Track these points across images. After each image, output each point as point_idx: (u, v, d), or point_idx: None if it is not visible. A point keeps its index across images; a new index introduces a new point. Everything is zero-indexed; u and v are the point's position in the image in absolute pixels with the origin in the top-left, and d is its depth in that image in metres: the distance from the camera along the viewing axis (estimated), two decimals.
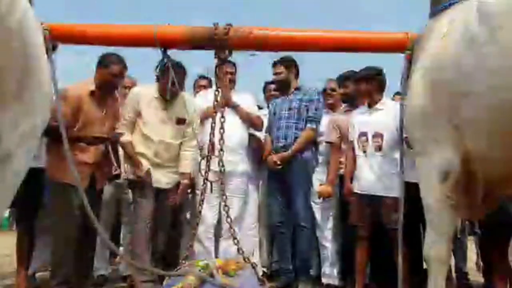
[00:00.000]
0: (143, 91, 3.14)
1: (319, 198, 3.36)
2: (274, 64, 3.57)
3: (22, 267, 3.10)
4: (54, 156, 2.78)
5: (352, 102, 3.40)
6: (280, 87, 3.60)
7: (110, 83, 2.93)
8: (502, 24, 1.31)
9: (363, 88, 3.14)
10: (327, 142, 3.48)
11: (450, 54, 1.61)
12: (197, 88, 4.04)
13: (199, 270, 2.02)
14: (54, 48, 2.36)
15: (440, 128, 1.77)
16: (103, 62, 2.91)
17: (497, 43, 1.34)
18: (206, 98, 3.49)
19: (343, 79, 3.50)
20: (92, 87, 2.89)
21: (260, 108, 4.18)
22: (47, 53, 2.20)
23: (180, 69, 3.02)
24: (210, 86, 3.94)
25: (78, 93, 2.85)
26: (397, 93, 3.64)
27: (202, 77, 4.14)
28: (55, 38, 2.29)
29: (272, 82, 3.99)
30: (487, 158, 1.66)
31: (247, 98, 3.65)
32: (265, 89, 4.15)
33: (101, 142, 2.91)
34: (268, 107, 3.94)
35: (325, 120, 3.52)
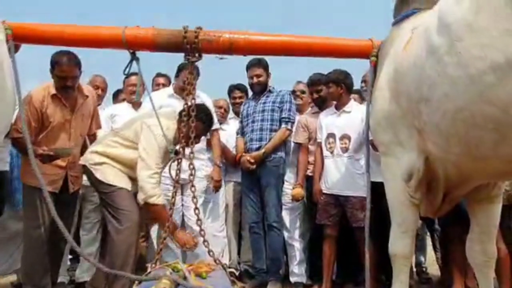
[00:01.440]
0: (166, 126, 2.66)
1: (292, 201, 3.42)
2: (251, 66, 3.55)
3: None
4: (25, 159, 2.59)
5: (323, 104, 3.47)
6: (259, 90, 3.59)
7: (63, 84, 2.67)
8: (461, 36, 1.40)
9: (333, 91, 3.22)
10: (295, 143, 3.54)
11: (412, 61, 1.69)
12: (155, 86, 3.94)
13: (171, 273, 2.02)
14: (16, 49, 2.29)
15: (404, 131, 1.87)
16: (52, 62, 2.66)
17: (457, 54, 1.42)
18: (162, 98, 3.41)
19: (314, 83, 3.55)
20: (53, 90, 2.70)
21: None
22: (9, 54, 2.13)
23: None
24: (169, 84, 3.90)
25: (41, 96, 2.68)
26: (355, 92, 3.73)
27: (160, 74, 4.05)
28: (18, 39, 2.22)
29: (235, 85, 4.00)
30: (446, 160, 1.76)
31: (206, 100, 3.61)
32: (230, 93, 4.07)
33: (68, 154, 2.72)
34: (233, 110, 3.98)
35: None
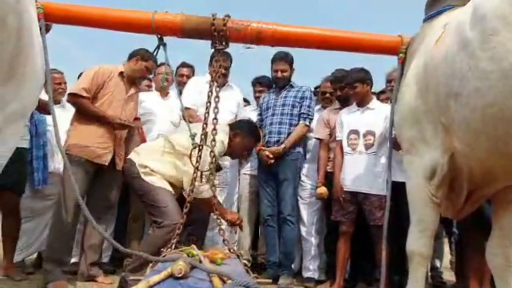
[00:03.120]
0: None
1: (317, 198, 3.41)
2: (276, 60, 3.55)
3: (9, 250, 3.07)
4: (79, 130, 2.97)
5: (346, 101, 3.44)
6: (282, 84, 3.59)
7: (141, 74, 3.21)
8: (496, 29, 1.37)
9: (359, 90, 3.20)
10: (316, 138, 3.53)
11: (444, 56, 1.66)
12: (178, 76, 3.92)
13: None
14: (47, 29, 2.33)
15: (430, 127, 1.84)
16: (143, 55, 3.11)
17: (490, 48, 1.39)
18: (198, 87, 3.48)
19: (338, 80, 3.50)
20: (122, 69, 3.13)
21: (247, 102, 4.20)
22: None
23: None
24: (192, 75, 3.94)
25: (110, 69, 3.09)
26: (381, 92, 3.71)
27: (184, 64, 4.03)
28: (50, 18, 2.25)
29: (258, 78, 4.00)
30: (472, 157, 1.73)
31: (236, 93, 3.70)
32: (253, 86, 4.09)
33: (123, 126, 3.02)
34: (257, 103, 3.98)
35: (315, 116, 3.59)
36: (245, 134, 2.93)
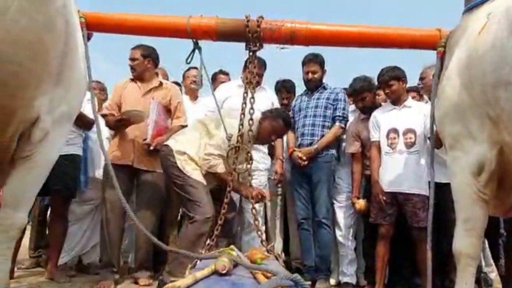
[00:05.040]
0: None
1: (358, 213, 3.34)
2: (308, 62, 3.54)
3: (55, 254, 3.17)
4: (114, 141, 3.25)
5: (370, 111, 3.37)
6: (314, 86, 3.57)
7: (130, 67, 3.32)
8: None
9: (396, 87, 3.13)
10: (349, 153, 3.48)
11: (491, 44, 1.60)
12: (216, 82, 3.97)
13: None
14: (88, 38, 2.42)
15: (475, 122, 1.77)
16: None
17: None
18: (227, 92, 3.52)
19: (357, 92, 3.43)
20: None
21: None
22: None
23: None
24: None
25: (124, 80, 3.35)
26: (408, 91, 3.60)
27: (221, 72, 4.09)
28: (91, 26, 2.33)
29: (283, 82, 3.97)
30: None
31: (269, 95, 3.69)
32: (277, 90, 4.02)
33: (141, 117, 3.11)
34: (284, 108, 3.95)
35: (350, 118, 3.54)
36: (274, 117, 2.92)
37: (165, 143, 2.89)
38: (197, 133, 2.87)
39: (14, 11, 1.36)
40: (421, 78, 3.48)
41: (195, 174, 2.73)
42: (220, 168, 2.72)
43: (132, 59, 3.30)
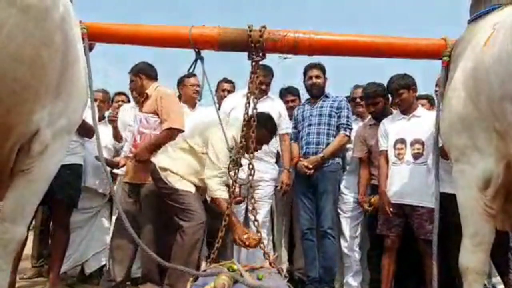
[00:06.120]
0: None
1: (367, 211, 3.27)
2: (310, 68, 3.53)
3: (57, 263, 3.14)
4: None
5: (381, 117, 3.32)
6: (317, 92, 3.54)
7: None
8: None
9: (406, 96, 3.05)
10: (356, 157, 3.44)
11: (497, 55, 1.56)
12: (220, 91, 3.94)
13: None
14: (90, 48, 2.41)
15: (482, 135, 1.73)
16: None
17: None
18: (232, 102, 3.51)
19: (370, 96, 3.35)
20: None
21: None
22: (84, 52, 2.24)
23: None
24: (233, 91, 3.94)
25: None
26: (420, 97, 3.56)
27: (226, 80, 4.03)
28: (93, 37, 2.33)
29: (287, 89, 3.97)
30: None
31: (276, 104, 3.63)
32: (282, 96, 3.99)
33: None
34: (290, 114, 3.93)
35: (352, 132, 3.49)
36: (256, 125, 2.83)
37: (151, 159, 2.93)
38: (181, 152, 2.88)
39: (11, 27, 1.34)
40: (437, 85, 3.42)
41: (180, 184, 2.77)
42: (224, 195, 2.63)
43: (130, 82, 3.44)
